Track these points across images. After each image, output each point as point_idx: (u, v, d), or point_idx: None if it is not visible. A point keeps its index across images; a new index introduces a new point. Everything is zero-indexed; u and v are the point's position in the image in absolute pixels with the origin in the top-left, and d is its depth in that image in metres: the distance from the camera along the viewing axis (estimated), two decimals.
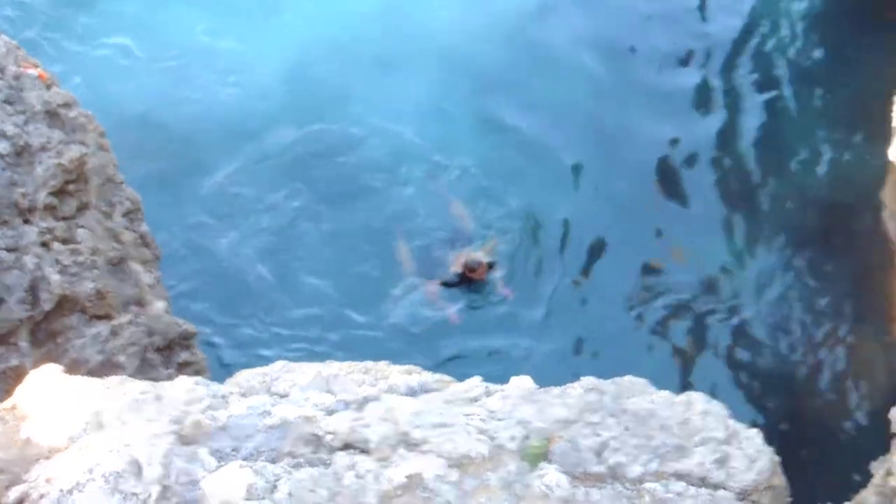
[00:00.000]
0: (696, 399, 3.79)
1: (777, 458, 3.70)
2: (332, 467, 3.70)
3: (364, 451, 3.78)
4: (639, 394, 3.80)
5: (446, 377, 4.10)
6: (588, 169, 11.30)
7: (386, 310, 10.20)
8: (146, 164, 10.35)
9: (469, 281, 10.49)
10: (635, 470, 3.60)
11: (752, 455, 3.63)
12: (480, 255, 10.47)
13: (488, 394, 3.86)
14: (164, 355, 6.98)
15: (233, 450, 3.90)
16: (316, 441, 3.85)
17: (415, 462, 3.67)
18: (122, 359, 6.32)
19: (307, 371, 4.17)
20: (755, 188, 11.10)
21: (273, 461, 3.83)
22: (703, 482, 3.59)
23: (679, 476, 3.59)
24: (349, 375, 4.12)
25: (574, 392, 3.79)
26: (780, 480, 3.67)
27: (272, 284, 10.18)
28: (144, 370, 6.68)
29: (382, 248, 10.60)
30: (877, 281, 9.78)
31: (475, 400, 3.84)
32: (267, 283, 10.19)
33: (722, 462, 3.62)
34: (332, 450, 3.83)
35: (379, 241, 10.63)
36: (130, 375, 4.79)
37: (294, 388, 4.08)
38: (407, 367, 4.17)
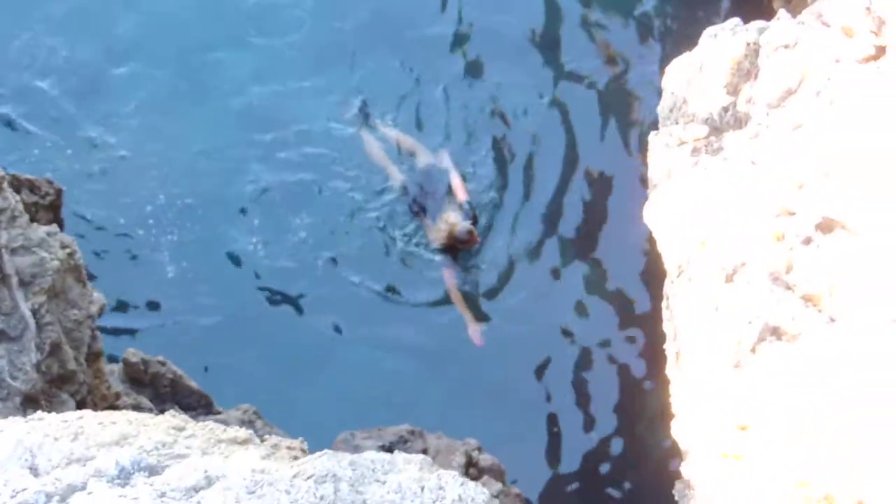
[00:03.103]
0: (449, 483, 3.10)
1: None
2: None
3: None
4: (382, 477, 3.12)
5: (167, 438, 3.39)
6: None
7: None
8: None
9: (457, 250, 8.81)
10: None
11: None
12: (458, 219, 8.62)
13: (209, 483, 3.18)
14: None
15: None
16: None
17: None
18: None
19: (8, 435, 3.44)
20: None
21: None
22: None
23: None
24: (57, 442, 3.41)
25: (304, 484, 3.10)
26: None
27: None
28: None
29: None
30: None
31: (195, 491, 3.17)
32: None
33: None
34: None
35: None
36: None
37: None
38: (122, 428, 3.43)
